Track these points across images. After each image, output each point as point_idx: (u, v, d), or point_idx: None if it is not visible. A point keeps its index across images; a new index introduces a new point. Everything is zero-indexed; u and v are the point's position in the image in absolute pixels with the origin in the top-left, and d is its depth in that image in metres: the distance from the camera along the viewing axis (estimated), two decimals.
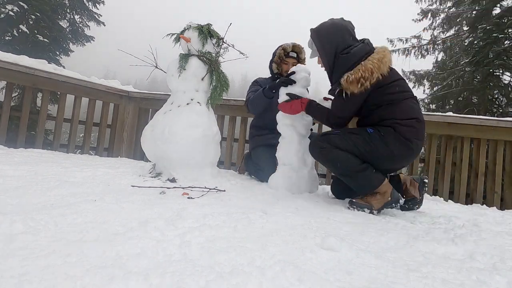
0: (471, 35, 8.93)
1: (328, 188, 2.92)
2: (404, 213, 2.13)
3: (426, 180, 2.26)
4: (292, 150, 2.40)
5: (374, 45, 2.17)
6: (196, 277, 0.85)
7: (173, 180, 2.18)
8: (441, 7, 11.07)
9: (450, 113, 3.69)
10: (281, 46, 2.89)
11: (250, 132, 3.04)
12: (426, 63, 10.80)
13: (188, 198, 1.76)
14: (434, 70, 10.74)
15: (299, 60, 2.87)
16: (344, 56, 2.08)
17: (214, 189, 2.02)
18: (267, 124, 2.80)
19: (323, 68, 2.23)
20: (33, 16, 8.69)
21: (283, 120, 2.47)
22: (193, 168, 2.27)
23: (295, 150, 2.40)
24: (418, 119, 2.03)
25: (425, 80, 10.59)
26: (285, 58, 2.85)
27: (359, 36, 2.23)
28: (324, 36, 2.16)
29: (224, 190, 2.04)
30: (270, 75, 2.97)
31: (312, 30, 2.25)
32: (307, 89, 2.59)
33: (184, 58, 2.39)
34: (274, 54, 2.92)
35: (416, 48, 10.74)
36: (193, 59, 2.39)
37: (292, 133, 2.43)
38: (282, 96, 2.43)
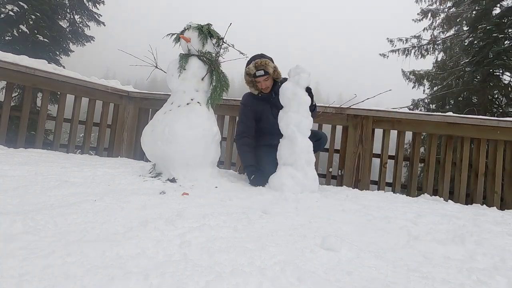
0: (471, 35, 8.92)
1: (328, 187, 2.92)
2: (405, 212, 2.12)
3: None
4: (292, 150, 2.40)
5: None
6: (196, 277, 0.85)
7: (173, 180, 2.17)
8: (441, 7, 11.06)
9: (450, 113, 3.69)
10: (245, 72, 2.79)
11: None
12: (426, 63, 10.80)
13: (188, 198, 1.76)
14: (434, 70, 10.73)
15: (268, 73, 2.72)
16: None
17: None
18: (265, 128, 2.83)
19: None
20: (33, 16, 8.67)
21: (284, 120, 2.48)
22: (193, 168, 2.26)
23: (295, 150, 2.40)
24: None
25: (425, 80, 10.58)
26: (255, 79, 2.77)
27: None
28: None
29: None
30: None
31: None
32: (308, 88, 2.59)
33: (184, 58, 2.39)
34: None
35: (416, 48, 10.74)
36: (193, 59, 2.39)
37: (293, 133, 2.43)
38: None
